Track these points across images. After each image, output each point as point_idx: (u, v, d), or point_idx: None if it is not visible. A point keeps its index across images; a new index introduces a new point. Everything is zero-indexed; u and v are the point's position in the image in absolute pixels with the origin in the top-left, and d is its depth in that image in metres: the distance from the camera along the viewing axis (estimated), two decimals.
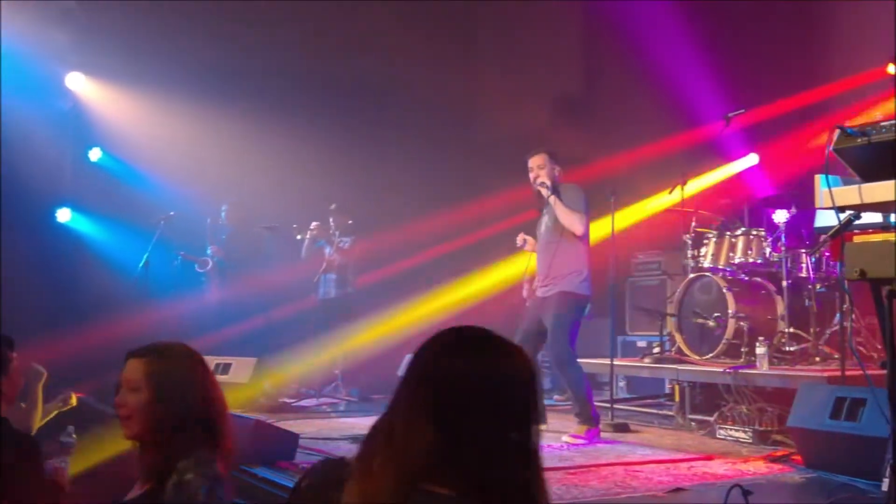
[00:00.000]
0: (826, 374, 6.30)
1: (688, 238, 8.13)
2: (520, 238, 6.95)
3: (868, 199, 3.01)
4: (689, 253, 8.08)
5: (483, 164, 11.52)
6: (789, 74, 8.64)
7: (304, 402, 8.82)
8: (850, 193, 3.06)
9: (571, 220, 6.52)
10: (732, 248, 7.74)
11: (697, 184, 8.84)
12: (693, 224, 8.09)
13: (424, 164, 10.99)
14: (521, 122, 11.27)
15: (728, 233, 7.83)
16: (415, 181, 10.83)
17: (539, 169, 6.71)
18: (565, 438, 6.25)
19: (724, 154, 9.03)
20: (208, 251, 9.97)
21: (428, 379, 1.75)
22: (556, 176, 6.69)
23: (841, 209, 3.08)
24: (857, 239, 3.26)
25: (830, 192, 3.04)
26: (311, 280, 9.54)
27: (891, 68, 8.13)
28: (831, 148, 3.10)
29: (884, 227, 3.27)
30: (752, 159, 9.30)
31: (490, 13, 12.15)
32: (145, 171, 10.00)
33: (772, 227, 7.71)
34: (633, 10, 9.92)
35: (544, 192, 6.60)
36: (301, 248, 9.58)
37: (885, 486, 4.05)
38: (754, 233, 7.70)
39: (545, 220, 6.76)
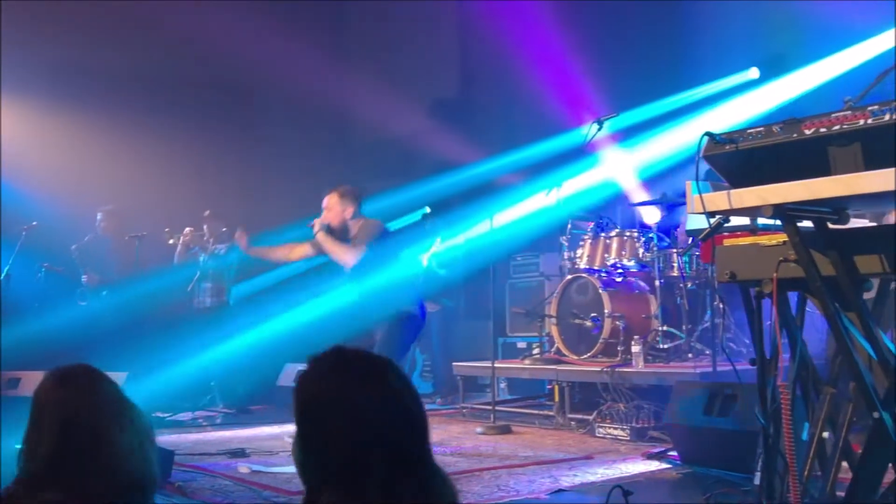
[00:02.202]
0: (698, 370, 6.50)
1: (564, 240, 8.24)
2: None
3: (737, 205, 3.07)
4: (566, 254, 8.19)
5: (360, 167, 11.44)
6: (659, 79, 8.86)
7: (178, 416, 8.57)
8: (719, 199, 3.12)
9: (338, 255, 6.11)
10: (607, 249, 7.89)
11: (572, 186, 8.95)
12: (569, 226, 8.22)
13: (300, 169, 10.85)
14: (397, 125, 11.24)
15: (602, 234, 7.98)
16: (291, 186, 10.67)
17: (327, 211, 6.17)
18: None
19: (597, 157, 9.18)
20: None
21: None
22: (346, 217, 6.13)
23: (711, 214, 3.14)
24: (727, 242, 3.33)
25: (701, 198, 3.10)
26: (185, 289, 9.26)
27: (754, 72, 8.44)
28: (700, 154, 3.15)
29: (751, 231, 3.35)
30: (625, 161, 9.48)
31: (360, 12, 12.07)
32: (5, 179, 9.55)
33: (644, 228, 7.90)
34: (507, 12, 10.01)
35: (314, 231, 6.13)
36: (173, 254, 9.27)
37: (756, 479, 4.16)
38: (627, 234, 7.87)
39: None
